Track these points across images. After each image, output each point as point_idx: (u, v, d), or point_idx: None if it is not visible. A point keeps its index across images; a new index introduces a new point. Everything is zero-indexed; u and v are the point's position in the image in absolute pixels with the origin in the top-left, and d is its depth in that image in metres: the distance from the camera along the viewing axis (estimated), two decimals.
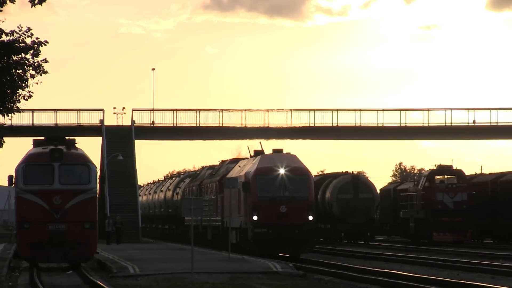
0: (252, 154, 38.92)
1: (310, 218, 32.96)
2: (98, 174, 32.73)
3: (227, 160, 46.45)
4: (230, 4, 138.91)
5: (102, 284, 20.65)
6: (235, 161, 43.74)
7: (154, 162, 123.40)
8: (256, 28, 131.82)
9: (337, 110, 61.51)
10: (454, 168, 51.42)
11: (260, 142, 37.58)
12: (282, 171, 33.32)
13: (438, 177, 51.39)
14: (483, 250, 40.44)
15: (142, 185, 73.23)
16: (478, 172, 62.00)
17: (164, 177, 75.17)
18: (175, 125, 61.91)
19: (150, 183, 72.14)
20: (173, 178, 60.82)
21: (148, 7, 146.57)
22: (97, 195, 29.79)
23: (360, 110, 62.31)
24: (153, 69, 68.32)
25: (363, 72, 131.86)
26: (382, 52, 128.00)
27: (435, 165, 52.22)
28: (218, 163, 47.72)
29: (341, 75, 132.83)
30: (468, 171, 54.89)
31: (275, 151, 36.30)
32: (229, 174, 41.19)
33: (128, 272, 25.12)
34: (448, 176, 51.71)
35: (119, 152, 55.70)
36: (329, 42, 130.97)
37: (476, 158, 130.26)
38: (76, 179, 28.04)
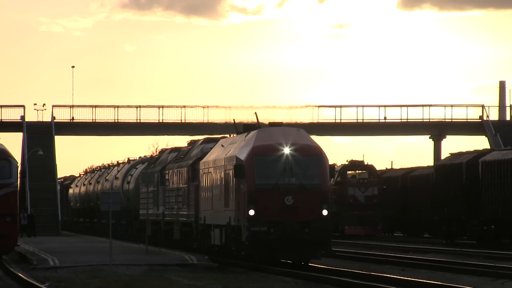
0: (242, 130, 30.72)
1: (325, 212, 25.19)
2: (19, 169, 34.19)
3: (199, 140, 38.76)
4: (147, 3, 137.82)
5: (23, 276, 21.88)
6: (212, 140, 35.57)
7: (74, 157, 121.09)
8: (173, 27, 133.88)
9: (251, 107, 60.14)
10: (366, 163, 54.13)
11: (255, 113, 29.13)
12: (287, 150, 25.44)
13: (350, 172, 53.61)
14: (393, 243, 43.45)
15: (78, 175, 73.30)
16: (389, 167, 64.75)
17: (87, 169, 70.23)
18: (94, 121, 65.94)
19: (87, 172, 68.87)
20: (120, 165, 55.34)
21: (68, 6, 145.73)
22: (18, 189, 30.79)
23: (274, 107, 66.05)
24: (72, 67, 71.83)
25: (278, 70, 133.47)
26: (296, 50, 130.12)
27: (347, 161, 54.76)
28: (186, 145, 40.30)
29: (257, 73, 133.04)
30: (379, 167, 58.56)
31: (272, 124, 28.40)
32: (207, 157, 32.97)
33: (48, 264, 27.32)
34: (360, 171, 53.66)
35: (40, 147, 57.59)
36: (244, 41, 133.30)
37: (387, 154, 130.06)
38: None
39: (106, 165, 61.93)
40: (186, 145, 39.98)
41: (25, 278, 21.27)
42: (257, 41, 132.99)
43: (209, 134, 50.03)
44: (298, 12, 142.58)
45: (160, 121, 66.06)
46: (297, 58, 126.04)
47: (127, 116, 65.40)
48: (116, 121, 65.74)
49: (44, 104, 65.72)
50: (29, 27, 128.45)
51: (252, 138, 26.79)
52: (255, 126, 29.50)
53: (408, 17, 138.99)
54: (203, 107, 66.08)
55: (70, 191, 70.16)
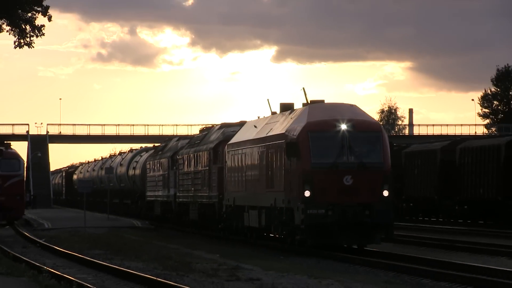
0: (278, 110, 28.90)
1: (386, 193, 23.35)
2: (25, 165, 51.69)
3: (214, 125, 40.57)
4: (108, 57, 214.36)
5: (27, 234, 35.35)
6: (231, 125, 35.37)
7: (61, 158, 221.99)
8: (125, 73, 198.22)
9: (175, 125, 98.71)
10: None
11: (303, 88, 27.01)
12: (344, 126, 23.45)
13: None
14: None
15: (79, 164, 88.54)
16: None
17: (88, 161, 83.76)
18: (74, 134, 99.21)
19: (88, 162, 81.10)
20: (123, 154, 62.99)
21: (56, 59, 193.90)
22: (24, 178, 47.79)
23: (191, 125, 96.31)
24: (60, 99, 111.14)
25: (194, 102, 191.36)
26: (205, 89, 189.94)
27: None
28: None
29: (180, 103, 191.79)
30: None
31: (314, 102, 26.27)
32: (235, 138, 31.49)
33: (44, 227, 42.40)
34: None
35: (38, 151, 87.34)
36: (172, 83, 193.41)
37: None
38: (11, 168, 45.03)
39: (107, 156, 72.71)
40: (198, 132, 43.33)
41: (28, 235, 34.50)
42: (180, 83, 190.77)
43: (151, 143, 68.15)
44: (206, 64, 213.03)
45: (117, 133, 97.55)
46: (206, 94, 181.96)
47: (96, 130, 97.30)
48: (88, 134, 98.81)
49: (41, 123, 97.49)
50: (31, 73, 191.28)
51: (302, 115, 24.82)
52: (290, 105, 27.99)
53: (278, 67, 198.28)
54: (145, 125, 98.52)
55: (74, 176, 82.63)
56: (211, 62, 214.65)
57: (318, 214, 22.98)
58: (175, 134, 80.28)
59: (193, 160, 37.85)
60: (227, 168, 31.51)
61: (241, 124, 33.59)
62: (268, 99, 30.90)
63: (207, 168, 34.63)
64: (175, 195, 40.63)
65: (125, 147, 71.44)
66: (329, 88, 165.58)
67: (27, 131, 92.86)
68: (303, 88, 26.73)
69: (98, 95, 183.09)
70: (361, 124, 24.02)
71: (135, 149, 59.77)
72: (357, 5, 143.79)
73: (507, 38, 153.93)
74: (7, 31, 34.58)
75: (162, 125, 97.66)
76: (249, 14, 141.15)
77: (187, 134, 72.99)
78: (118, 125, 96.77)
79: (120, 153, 65.48)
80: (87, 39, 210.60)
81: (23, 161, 47.28)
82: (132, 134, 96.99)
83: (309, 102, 26.16)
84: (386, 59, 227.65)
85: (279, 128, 26.34)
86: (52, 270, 18.20)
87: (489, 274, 16.45)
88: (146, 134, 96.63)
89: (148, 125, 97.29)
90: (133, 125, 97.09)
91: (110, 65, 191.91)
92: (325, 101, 26.52)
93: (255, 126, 30.12)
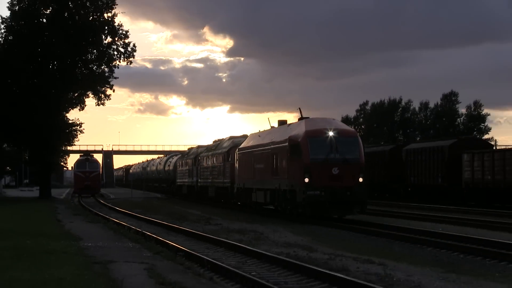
0: (276, 124, 39.11)
1: (361, 180, 30.79)
2: (101, 165, 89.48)
3: (224, 138, 54.26)
4: None
5: (101, 200, 62.81)
6: (237, 137, 49.61)
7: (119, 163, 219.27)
8: None
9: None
10: None
11: (299, 108, 36.37)
12: (331, 133, 31.13)
13: None
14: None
15: (132, 165, 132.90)
16: None
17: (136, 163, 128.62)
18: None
19: (137, 164, 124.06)
20: (159, 158, 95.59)
21: None
22: (100, 173, 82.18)
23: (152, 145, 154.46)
24: (119, 132, 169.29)
25: None
26: (193, 128, 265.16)
27: None
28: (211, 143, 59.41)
29: None
30: None
31: (304, 118, 35.09)
32: (244, 144, 42.44)
33: (110, 197, 71.85)
34: None
35: (107, 159, 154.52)
36: None
37: None
38: (93, 167, 77.45)
39: (146, 160, 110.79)
40: (212, 142, 58.90)
41: (102, 201, 60.48)
42: (180, 124, 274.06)
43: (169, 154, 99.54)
44: (193, 114, 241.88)
45: (148, 149, 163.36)
46: (194, 130, 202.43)
47: (138, 147, 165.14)
48: (133, 150, 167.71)
49: (108, 144, 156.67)
50: (104, 118, 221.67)
51: (301, 125, 32.73)
52: (285, 121, 37.75)
53: (231, 116, 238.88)
54: (162, 145, 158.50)
55: (131, 171, 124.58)
56: (196, 113, 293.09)
57: (315, 194, 30.17)
58: (177, 150, 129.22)
59: (210, 159, 53.03)
60: (238, 165, 41.76)
61: (244, 136, 45.59)
62: (268, 118, 43.35)
63: (222, 164, 47.52)
64: (197, 181, 58.41)
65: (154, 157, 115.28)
66: (261, 127, 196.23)
67: (102, 149, 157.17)
68: (299, 108, 35.76)
69: (139, 130, 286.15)
70: (344, 132, 31.91)
71: (168, 155, 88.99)
72: (272, 84, 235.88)
73: None
74: (92, 97, 61.57)
75: (171, 145, 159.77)
76: (217, 88, 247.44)
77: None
78: (149, 145, 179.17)
79: (158, 158, 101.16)
80: (133, 101, 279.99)
81: (100, 163, 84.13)
82: (155, 150, 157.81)
83: (303, 117, 35.06)
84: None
85: (282, 135, 34.54)
86: (115, 219, 33.39)
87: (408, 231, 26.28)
88: (163, 150, 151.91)
89: (164, 145, 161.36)
90: (156, 145, 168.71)
91: (145, 115, 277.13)
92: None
93: (260, 136, 39.60)
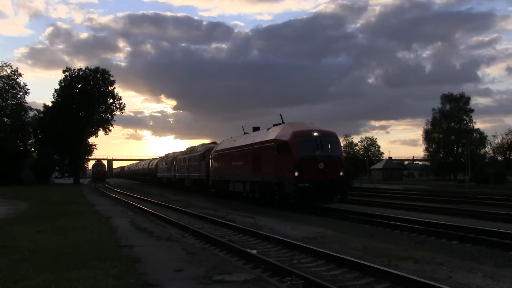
0: (248, 131, 43.70)
1: (341, 174, 33.44)
2: (106, 167, 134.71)
3: (196, 145, 68.93)
4: None
5: (107, 185, 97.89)
6: (208, 144, 61.31)
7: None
8: None
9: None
10: None
11: (280, 115, 40.04)
12: (316, 134, 33.83)
13: None
14: None
15: (129, 165, 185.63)
16: None
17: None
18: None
19: (132, 164, 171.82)
20: (147, 160, 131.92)
21: None
22: (106, 170, 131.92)
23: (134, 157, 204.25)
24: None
25: None
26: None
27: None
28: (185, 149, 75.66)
29: None
30: None
31: (278, 124, 38.85)
32: (218, 147, 48.40)
33: (111, 184, 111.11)
34: None
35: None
36: None
37: None
38: (102, 168, 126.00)
39: (140, 161, 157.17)
40: (185, 149, 75.36)
41: (108, 186, 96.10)
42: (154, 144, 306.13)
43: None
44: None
45: (139, 157, 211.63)
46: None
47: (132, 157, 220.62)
48: (127, 158, 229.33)
49: (112, 155, 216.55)
50: (107, 140, 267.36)
51: (287, 127, 35.71)
52: (258, 128, 42.23)
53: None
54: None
55: (125, 168, 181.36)
56: (157, 140, 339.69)
57: (304, 186, 32.66)
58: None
59: (187, 160, 66.73)
60: (214, 162, 47.38)
61: (215, 143, 55.27)
62: (242, 126, 48.94)
63: (198, 162, 56.97)
64: (175, 175, 76.30)
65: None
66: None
67: (106, 157, 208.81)
68: (280, 115, 39.31)
69: (126, 148, 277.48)
70: (326, 132, 34.92)
71: (150, 159, 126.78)
72: (198, 124, 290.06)
73: None
74: (101, 130, 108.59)
75: (145, 157, 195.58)
76: (168, 127, 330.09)
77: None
78: (132, 156, 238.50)
79: (143, 160, 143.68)
80: (123, 132, 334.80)
81: (105, 166, 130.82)
82: (137, 158, 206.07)
83: (284, 122, 38.59)
84: None
85: (264, 137, 37.81)
86: (113, 195, 55.17)
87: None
88: (141, 158, 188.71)
89: (140, 156, 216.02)
90: (137, 156, 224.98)
91: (129, 140, 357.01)
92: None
93: (234, 140, 43.69)
